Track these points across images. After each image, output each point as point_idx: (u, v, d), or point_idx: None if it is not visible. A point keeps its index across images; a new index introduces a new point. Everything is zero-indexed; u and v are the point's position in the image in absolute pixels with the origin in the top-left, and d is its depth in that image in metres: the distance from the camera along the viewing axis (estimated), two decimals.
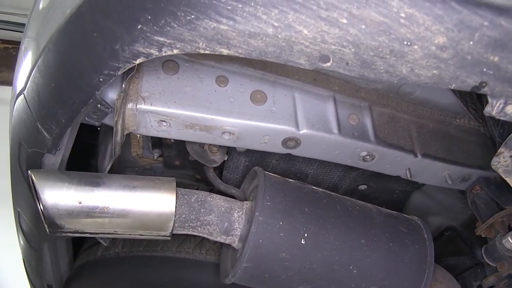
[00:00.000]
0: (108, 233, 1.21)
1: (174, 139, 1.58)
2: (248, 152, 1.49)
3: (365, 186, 1.65)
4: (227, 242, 1.27)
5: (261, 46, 0.86)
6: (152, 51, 0.91)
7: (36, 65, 1.11)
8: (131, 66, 0.95)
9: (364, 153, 1.33)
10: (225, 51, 0.88)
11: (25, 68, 1.19)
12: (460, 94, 1.34)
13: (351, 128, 1.30)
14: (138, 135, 1.68)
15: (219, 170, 1.60)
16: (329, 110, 1.30)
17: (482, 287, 1.58)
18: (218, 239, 1.27)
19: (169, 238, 1.24)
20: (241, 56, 0.88)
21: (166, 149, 1.66)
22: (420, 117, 1.42)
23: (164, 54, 0.91)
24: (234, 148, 1.47)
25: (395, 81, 0.86)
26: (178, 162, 1.71)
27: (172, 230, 1.22)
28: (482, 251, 1.41)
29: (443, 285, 1.44)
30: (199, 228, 1.25)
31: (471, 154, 1.45)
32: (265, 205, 1.20)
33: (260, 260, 1.20)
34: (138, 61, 0.93)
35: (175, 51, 0.90)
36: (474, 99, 1.33)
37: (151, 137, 1.68)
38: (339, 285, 1.25)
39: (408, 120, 1.41)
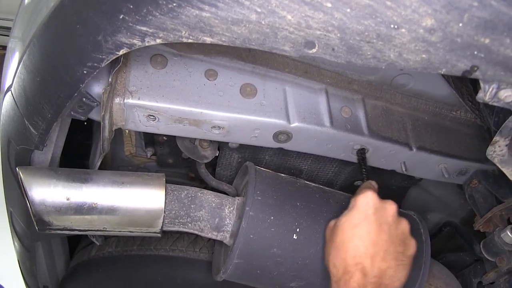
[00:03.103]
0: (98, 230, 1.19)
1: (166, 137, 1.57)
2: (241, 148, 1.47)
3: (361, 182, 1.62)
4: (218, 238, 1.25)
5: (245, 33, 0.83)
6: (135, 41, 0.89)
7: (22, 61, 1.10)
8: (114, 57, 0.93)
9: (358, 147, 1.31)
10: (208, 39, 0.86)
11: (12, 64, 1.18)
12: (455, 85, 1.31)
13: (344, 121, 1.28)
14: (131, 133, 1.67)
15: (213, 167, 1.58)
16: (321, 103, 1.27)
17: (482, 284, 1.55)
18: (209, 235, 1.24)
19: (159, 235, 1.22)
20: (224, 44, 0.86)
21: (158, 147, 1.64)
22: (415, 109, 1.40)
23: (147, 44, 0.89)
24: (227, 144, 1.45)
25: (383, 67, 0.84)
26: (171, 160, 1.69)
27: (162, 227, 1.20)
28: (481, 245, 1.38)
29: (440, 281, 1.41)
30: (190, 225, 1.23)
31: (468, 147, 1.42)
32: (256, 199, 1.17)
33: (251, 256, 1.17)
34: (121, 52, 0.91)
35: (158, 41, 0.88)
36: (470, 90, 1.31)
37: (144, 135, 1.67)
38: None
39: (403, 112, 1.38)
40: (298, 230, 1.18)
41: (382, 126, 1.33)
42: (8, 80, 1.20)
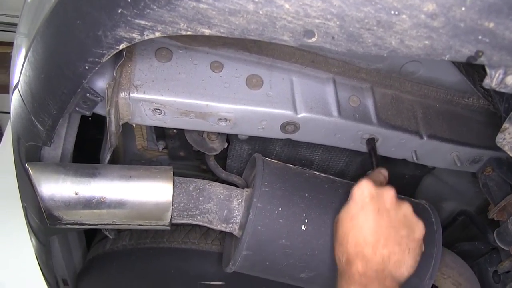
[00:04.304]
0: (107, 224, 1.20)
1: (176, 130, 1.57)
2: (251, 139, 1.46)
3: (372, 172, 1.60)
4: (227, 230, 1.25)
5: (243, 24, 0.82)
6: (134, 35, 0.89)
7: (27, 58, 1.10)
8: (115, 52, 0.93)
9: (367, 136, 1.29)
10: (206, 31, 0.85)
11: (18, 61, 1.19)
12: (466, 71, 1.28)
13: (352, 110, 1.26)
14: (142, 127, 1.68)
15: (224, 160, 1.58)
16: (329, 92, 1.26)
17: (498, 272, 1.53)
18: (219, 227, 1.24)
19: (169, 227, 1.23)
20: (223, 35, 0.85)
21: (169, 140, 1.65)
22: (425, 97, 1.37)
23: (146, 38, 0.89)
24: (236, 136, 1.45)
25: (385, 54, 0.82)
26: (183, 153, 1.69)
27: (171, 220, 1.20)
28: (494, 234, 1.36)
29: (454, 271, 1.39)
30: (199, 217, 1.23)
31: (481, 134, 1.39)
32: (263, 191, 1.17)
33: (260, 247, 1.17)
34: (121, 47, 0.91)
35: (157, 34, 0.88)
36: (482, 76, 1.27)
37: (155, 128, 1.67)
38: None
39: (413, 100, 1.36)
40: (306, 221, 1.18)
41: (391, 114, 1.30)
42: (15, 77, 1.21)
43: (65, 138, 1.32)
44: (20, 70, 1.15)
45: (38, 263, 1.89)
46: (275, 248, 1.17)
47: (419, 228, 1.10)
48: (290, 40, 0.83)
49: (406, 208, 1.10)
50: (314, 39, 0.82)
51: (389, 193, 1.09)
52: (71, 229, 1.42)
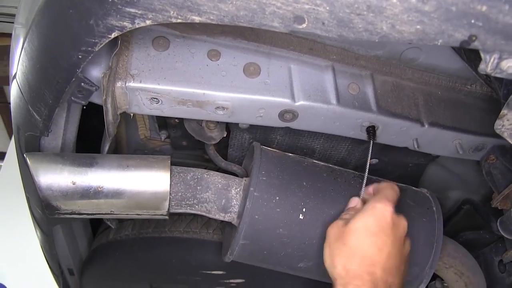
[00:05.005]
0: (105, 214, 1.20)
1: (178, 119, 1.57)
2: (252, 128, 1.46)
3: (376, 160, 1.59)
4: (226, 219, 1.25)
5: (232, 11, 0.81)
6: (125, 23, 0.88)
7: (23, 48, 1.11)
8: (107, 41, 0.92)
9: (367, 124, 1.27)
10: (196, 19, 0.85)
11: (17, 52, 1.19)
12: (468, 57, 1.25)
13: (351, 98, 1.25)
14: (144, 117, 1.68)
15: (226, 150, 1.58)
16: (327, 80, 1.24)
17: (503, 262, 1.51)
18: (217, 216, 1.24)
19: (167, 217, 1.23)
20: (213, 22, 0.84)
21: (171, 129, 1.65)
22: (427, 84, 1.34)
23: (137, 26, 0.88)
24: (237, 125, 1.44)
25: (377, 40, 0.80)
26: (185, 142, 1.69)
27: (169, 209, 1.20)
28: (498, 223, 1.33)
29: (456, 260, 1.38)
30: (197, 206, 1.23)
31: (484, 122, 1.36)
32: (261, 180, 1.16)
33: (257, 236, 1.17)
34: (113, 35, 0.91)
35: (148, 22, 0.88)
36: None
37: (157, 118, 1.67)
38: None
39: (414, 88, 1.33)
40: (304, 210, 1.17)
41: (392, 102, 1.28)
42: (14, 68, 1.21)
43: (65, 128, 1.32)
44: (18, 60, 1.15)
45: (43, 253, 1.91)
46: (272, 237, 1.17)
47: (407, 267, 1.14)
48: (280, 26, 0.82)
49: (408, 246, 1.14)
50: (304, 25, 0.81)
51: (405, 225, 1.12)
52: (71, 219, 1.42)
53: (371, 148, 1.26)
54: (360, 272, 1.02)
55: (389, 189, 1.17)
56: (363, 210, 1.10)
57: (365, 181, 1.21)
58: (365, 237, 1.05)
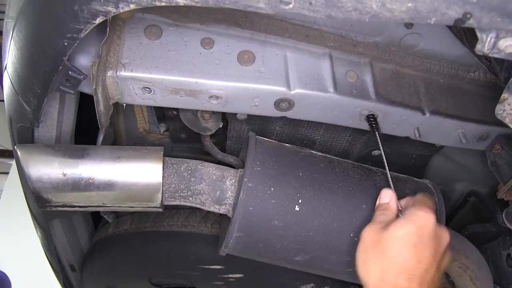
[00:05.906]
0: (97, 206, 1.18)
1: (175, 111, 1.54)
2: (250, 119, 1.43)
3: (379, 152, 1.55)
4: (221, 211, 1.22)
5: None
6: (109, 8, 0.86)
7: (12, 38, 1.09)
8: (92, 26, 0.90)
9: (366, 112, 1.24)
10: (181, 1, 0.82)
11: (8, 45, 1.18)
12: (470, 43, 1.21)
13: (349, 86, 1.21)
14: (143, 109, 1.65)
15: (225, 142, 1.55)
16: (324, 68, 1.20)
17: (511, 256, 1.47)
18: (212, 209, 1.21)
19: (160, 209, 1.20)
20: (198, 5, 0.81)
21: (170, 122, 1.62)
22: (428, 71, 1.30)
23: (121, 11, 0.86)
24: (235, 116, 1.41)
25: (367, 20, 0.77)
26: (184, 135, 1.67)
27: (162, 201, 1.18)
28: (503, 215, 1.29)
29: (460, 254, 1.34)
30: (191, 198, 1.20)
31: (488, 110, 1.30)
32: (255, 170, 1.13)
33: (252, 229, 1.14)
34: (98, 21, 0.89)
35: (132, 6, 0.85)
36: None
37: (155, 110, 1.65)
38: (340, 254, 1.17)
39: (415, 75, 1.29)
40: (300, 201, 1.13)
41: (391, 90, 1.25)
42: (5, 60, 1.20)
43: (59, 119, 1.30)
44: (7, 51, 1.14)
45: (43, 249, 1.90)
46: (267, 230, 1.14)
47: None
48: (266, 7, 0.79)
49: (447, 259, 1.10)
50: (291, 6, 0.77)
51: (447, 238, 1.08)
52: (64, 212, 1.41)
53: (379, 138, 1.23)
54: (395, 284, 0.98)
55: (429, 198, 1.14)
56: (404, 216, 1.05)
57: (388, 172, 1.18)
58: (405, 247, 1.00)
